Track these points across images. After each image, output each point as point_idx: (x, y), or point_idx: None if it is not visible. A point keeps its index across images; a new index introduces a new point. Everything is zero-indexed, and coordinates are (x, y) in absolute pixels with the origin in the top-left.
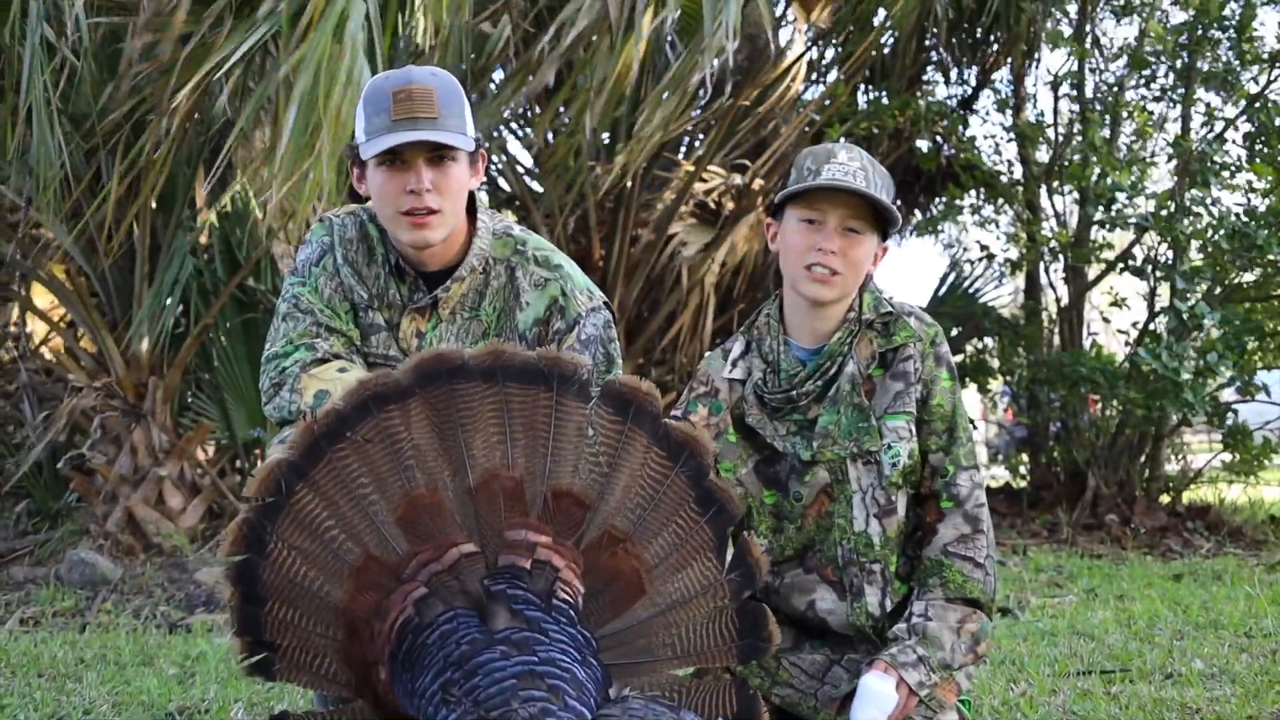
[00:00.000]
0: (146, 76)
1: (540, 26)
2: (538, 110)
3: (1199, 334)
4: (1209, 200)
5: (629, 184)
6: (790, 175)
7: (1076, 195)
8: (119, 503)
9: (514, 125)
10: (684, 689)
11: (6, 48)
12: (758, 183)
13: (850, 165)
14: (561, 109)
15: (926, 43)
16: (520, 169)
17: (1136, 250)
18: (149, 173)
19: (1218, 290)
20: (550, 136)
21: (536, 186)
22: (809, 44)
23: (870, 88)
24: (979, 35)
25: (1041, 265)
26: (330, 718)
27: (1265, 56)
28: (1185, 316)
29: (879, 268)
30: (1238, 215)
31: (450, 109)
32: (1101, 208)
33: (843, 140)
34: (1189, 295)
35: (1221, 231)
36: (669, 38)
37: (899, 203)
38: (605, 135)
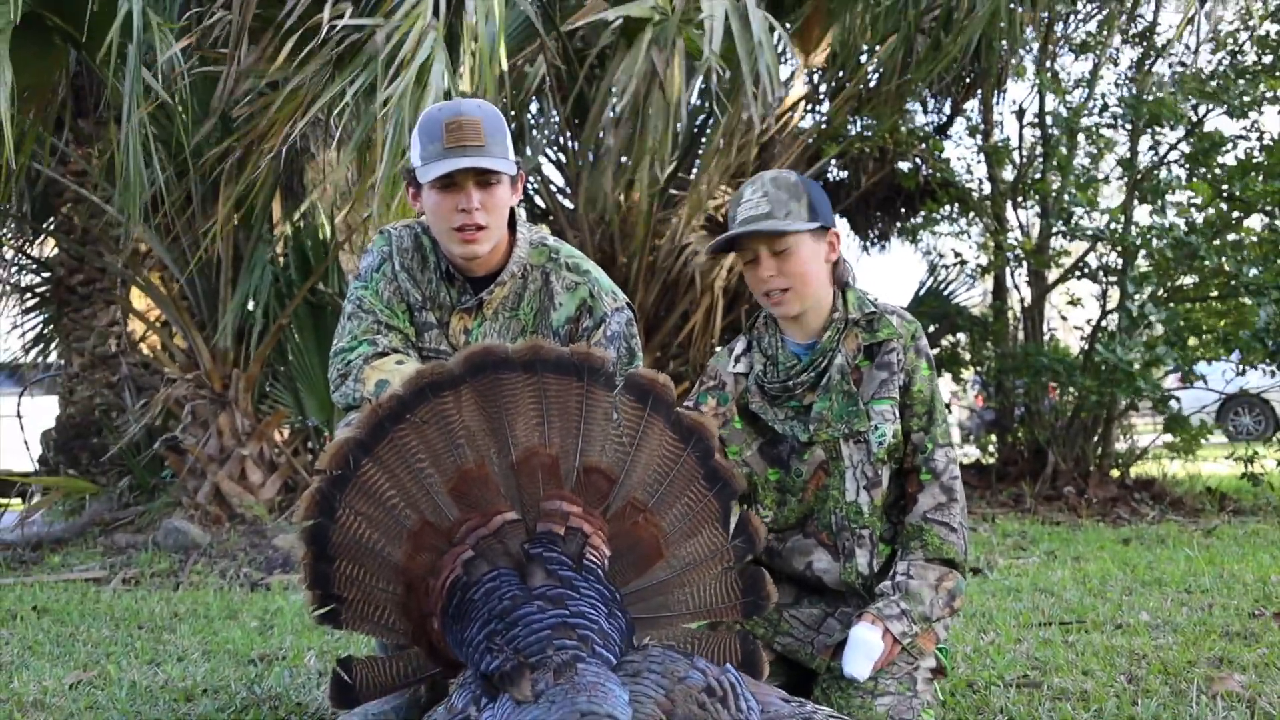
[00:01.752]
0: (246, 116)
1: (570, 64)
2: (571, 139)
3: (1147, 330)
4: (1155, 214)
5: (648, 203)
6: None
7: (1038, 209)
8: (207, 478)
9: (548, 150)
10: (695, 640)
11: (109, 82)
12: None
13: (754, 198)
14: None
15: (907, 76)
16: (554, 188)
17: (1090, 258)
18: (242, 196)
19: (1161, 292)
20: (588, 156)
21: (567, 203)
22: (808, 86)
23: (858, 116)
24: (953, 69)
25: (1007, 270)
26: (390, 662)
27: (1208, 90)
28: (1134, 314)
29: (839, 254)
30: (1180, 227)
31: (495, 138)
32: (1061, 222)
33: (763, 174)
34: (1136, 297)
35: (1166, 240)
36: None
37: (880, 216)
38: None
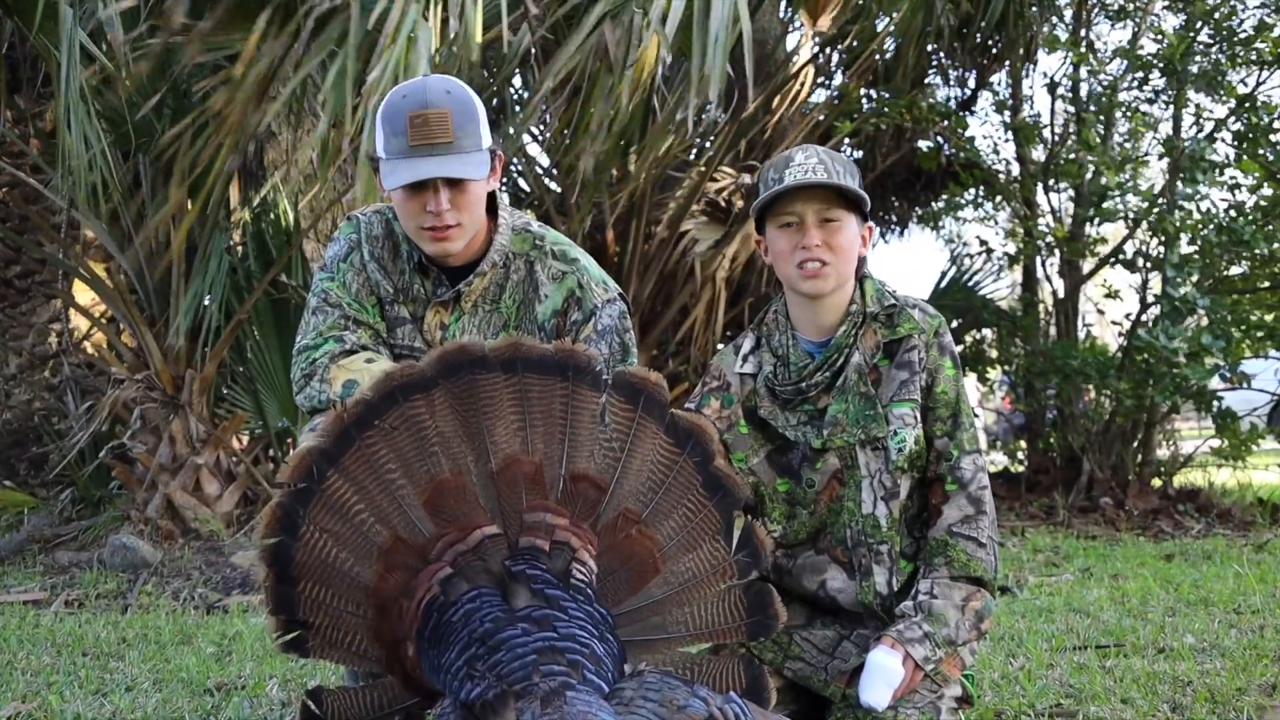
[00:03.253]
0: (202, 93)
1: (559, 35)
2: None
3: (1192, 319)
4: (1197, 197)
5: (642, 183)
6: (759, 190)
7: (1072, 192)
8: (158, 490)
9: (533, 129)
10: (696, 665)
11: (48, 55)
12: None
13: (809, 163)
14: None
15: (928, 47)
16: (539, 169)
17: (1128, 245)
18: (197, 181)
19: (1208, 282)
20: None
21: (554, 185)
22: (815, 50)
23: (873, 90)
24: (978, 39)
25: (1038, 259)
26: (361, 693)
27: (1255, 59)
28: (1178, 302)
29: (869, 249)
30: (1226, 211)
31: (465, 129)
32: (1094, 204)
33: (809, 144)
34: (1180, 284)
35: (1211, 226)
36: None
37: (897, 200)
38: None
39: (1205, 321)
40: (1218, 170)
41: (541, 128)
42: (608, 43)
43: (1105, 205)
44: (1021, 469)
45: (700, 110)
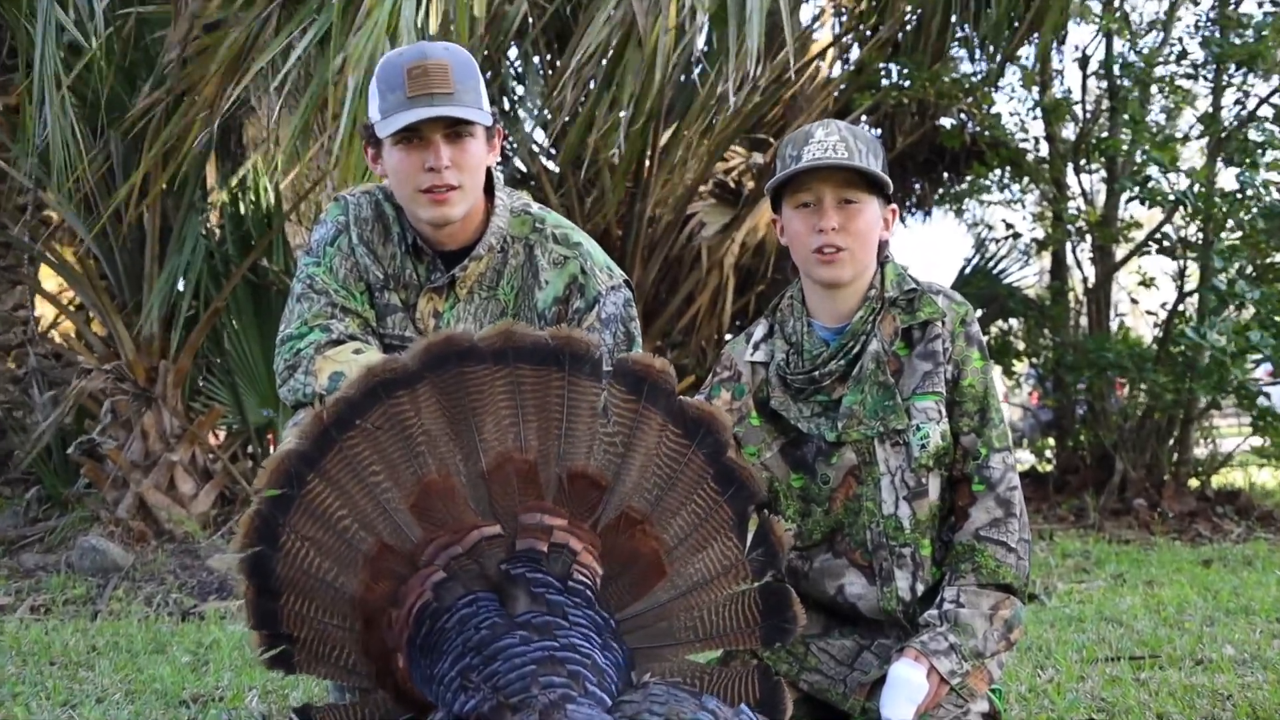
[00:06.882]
0: (182, 69)
1: (555, 3)
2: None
3: (1238, 311)
4: (1243, 178)
5: (647, 164)
6: (776, 167)
7: (1104, 173)
8: (130, 488)
9: (530, 104)
10: (706, 675)
11: (15, 26)
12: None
13: (829, 140)
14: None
15: (951, 19)
16: (536, 148)
17: (1166, 229)
18: (167, 160)
19: (1250, 270)
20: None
21: (552, 166)
22: (837, 28)
23: (893, 64)
24: (1004, 10)
25: (1068, 245)
26: (351, 710)
27: None
28: (1223, 291)
29: (893, 233)
30: (1272, 193)
31: (466, 84)
32: (1135, 185)
33: (827, 119)
34: (1223, 273)
35: (1256, 210)
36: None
37: (919, 181)
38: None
39: (1251, 313)
40: (1261, 150)
41: (539, 103)
42: (635, 13)
43: (1148, 186)
44: (1050, 468)
45: (740, 82)
